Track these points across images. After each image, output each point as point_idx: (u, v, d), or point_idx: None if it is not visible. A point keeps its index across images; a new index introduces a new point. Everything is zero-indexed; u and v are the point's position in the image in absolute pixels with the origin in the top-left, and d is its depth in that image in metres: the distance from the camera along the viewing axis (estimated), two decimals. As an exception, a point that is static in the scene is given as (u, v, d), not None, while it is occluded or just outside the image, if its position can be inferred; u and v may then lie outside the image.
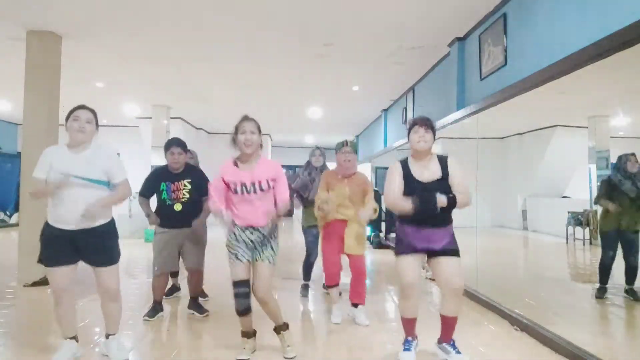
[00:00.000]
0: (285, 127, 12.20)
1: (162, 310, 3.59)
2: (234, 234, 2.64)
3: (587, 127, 7.14)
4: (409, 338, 2.72)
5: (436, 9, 4.30)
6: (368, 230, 8.49)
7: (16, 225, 8.39)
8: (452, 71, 5.19)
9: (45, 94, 4.89)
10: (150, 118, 9.27)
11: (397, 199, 2.57)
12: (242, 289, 2.62)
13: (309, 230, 4.19)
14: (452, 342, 2.68)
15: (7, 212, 11.40)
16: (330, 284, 3.57)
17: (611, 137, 7.15)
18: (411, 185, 2.55)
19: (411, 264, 2.59)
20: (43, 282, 4.67)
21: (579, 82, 3.15)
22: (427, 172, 2.58)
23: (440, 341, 2.73)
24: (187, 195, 3.47)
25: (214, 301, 4.09)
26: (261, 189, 2.61)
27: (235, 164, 2.67)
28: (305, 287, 4.33)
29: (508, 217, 7.51)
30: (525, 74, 3.50)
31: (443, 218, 2.57)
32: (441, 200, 2.46)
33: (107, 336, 2.70)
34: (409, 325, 2.72)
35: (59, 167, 2.41)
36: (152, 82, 7.28)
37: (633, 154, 3.93)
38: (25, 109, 4.87)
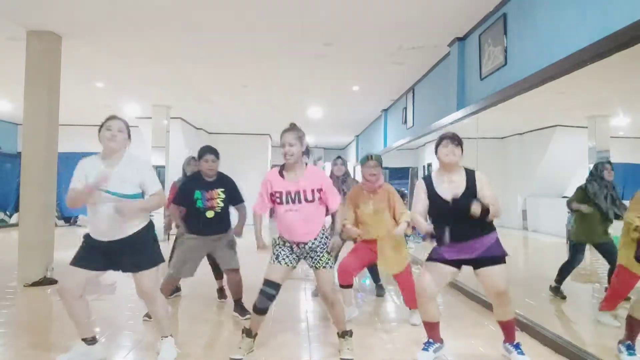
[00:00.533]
0: (285, 127, 12.20)
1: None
2: (282, 238, 2.74)
3: (587, 127, 7.14)
4: (431, 340, 2.76)
5: (436, 9, 4.30)
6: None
7: (16, 225, 8.39)
8: (452, 71, 5.19)
9: (45, 94, 4.89)
10: (150, 118, 9.27)
11: (417, 218, 2.66)
12: (270, 290, 2.67)
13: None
14: (515, 343, 2.69)
15: (7, 212, 11.40)
16: (343, 283, 3.51)
17: (611, 137, 7.14)
18: (437, 203, 2.61)
19: (432, 270, 2.64)
20: (43, 282, 4.67)
21: (579, 82, 3.15)
22: (451, 186, 2.61)
23: (504, 341, 2.78)
24: (222, 205, 3.51)
25: (214, 301, 4.09)
26: (306, 199, 2.65)
27: (281, 174, 2.73)
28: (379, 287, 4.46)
29: (508, 217, 7.51)
30: (525, 74, 3.50)
31: (474, 231, 2.57)
32: (475, 209, 2.45)
33: (162, 337, 2.74)
34: (428, 327, 2.77)
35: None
36: (152, 82, 7.28)
37: (609, 162, 4.00)
38: (25, 109, 4.87)
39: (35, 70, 4.87)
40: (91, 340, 2.63)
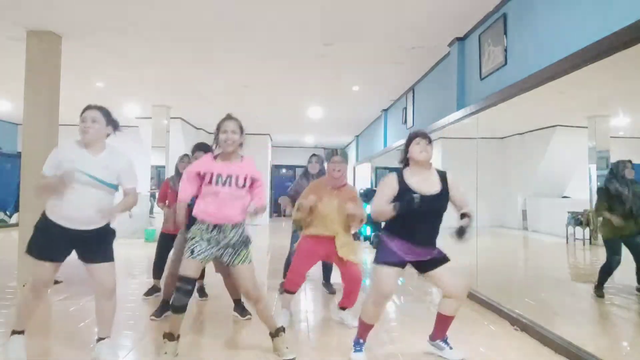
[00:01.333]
0: (285, 127, 12.20)
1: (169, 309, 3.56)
2: (200, 230, 2.61)
3: (587, 127, 7.15)
4: (361, 340, 2.72)
5: (436, 9, 4.30)
6: (369, 230, 8.49)
7: (16, 225, 8.39)
8: (452, 71, 5.19)
9: (45, 94, 4.89)
10: (150, 118, 9.27)
11: (381, 205, 2.54)
12: (186, 286, 2.57)
13: (296, 234, 4.01)
14: (445, 339, 2.76)
15: (7, 212, 11.40)
16: (290, 289, 3.42)
17: (611, 137, 7.15)
18: (407, 197, 2.49)
19: (392, 275, 2.57)
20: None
21: (579, 82, 3.14)
22: (425, 184, 2.56)
23: (433, 338, 2.79)
24: None
25: (213, 301, 4.09)
26: (236, 184, 2.61)
27: (215, 159, 2.70)
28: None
29: (508, 217, 7.51)
30: (525, 74, 3.50)
31: (434, 235, 2.61)
32: (467, 222, 2.49)
33: (98, 340, 2.59)
34: (368, 329, 2.73)
35: (78, 166, 2.38)
36: (152, 82, 7.28)
37: (630, 161, 3.93)
38: (25, 109, 4.87)
39: (35, 70, 4.87)
40: (21, 333, 2.60)
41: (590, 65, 2.69)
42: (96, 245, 2.49)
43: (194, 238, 2.61)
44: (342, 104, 8.87)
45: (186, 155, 4.11)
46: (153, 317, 3.45)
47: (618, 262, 3.82)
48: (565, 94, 3.98)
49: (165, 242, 3.92)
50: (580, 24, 2.97)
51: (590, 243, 7.20)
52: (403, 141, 5.38)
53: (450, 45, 5.21)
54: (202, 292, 4.15)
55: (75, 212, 2.37)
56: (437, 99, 5.99)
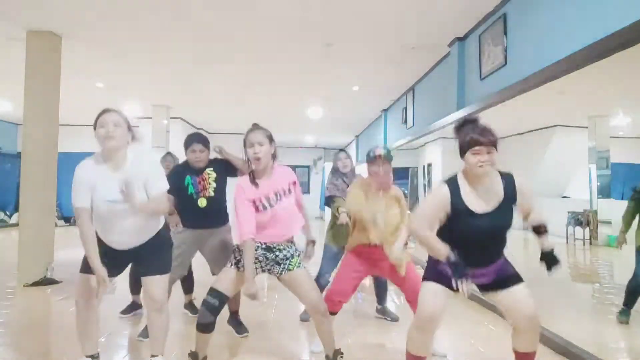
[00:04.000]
0: (285, 127, 12.19)
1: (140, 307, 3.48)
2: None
3: (587, 127, 7.15)
4: None
5: (436, 9, 4.30)
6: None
7: (16, 225, 8.38)
8: (452, 71, 5.19)
9: (45, 94, 4.89)
10: (150, 118, 9.27)
11: (427, 236, 2.01)
12: (214, 301, 2.30)
13: (330, 247, 3.52)
14: None
15: (7, 212, 11.40)
16: (331, 310, 2.73)
17: (611, 137, 7.16)
18: (462, 216, 1.99)
19: (439, 293, 2.08)
20: (43, 282, 4.67)
21: (579, 82, 3.15)
22: (486, 196, 2.01)
23: None
24: (214, 185, 3.06)
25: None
26: (285, 195, 2.41)
27: (252, 181, 2.38)
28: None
29: (508, 217, 7.50)
30: (525, 74, 3.50)
31: (494, 254, 2.10)
32: (549, 242, 2.08)
33: (152, 357, 2.39)
34: None
35: (103, 193, 2.15)
36: (152, 82, 7.28)
37: None
38: (25, 109, 4.87)
39: (35, 70, 4.86)
40: (92, 357, 2.40)
41: (590, 65, 2.69)
42: (149, 256, 2.31)
43: (239, 251, 2.36)
44: (342, 104, 8.87)
45: (169, 153, 3.90)
46: (140, 338, 3.06)
47: None
48: (565, 94, 3.98)
49: None
50: (580, 24, 2.97)
51: (590, 243, 7.21)
52: (403, 141, 5.28)
53: (450, 45, 5.21)
54: (193, 309, 3.65)
55: (117, 237, 2.25)
56: (437, 99, 5.99)
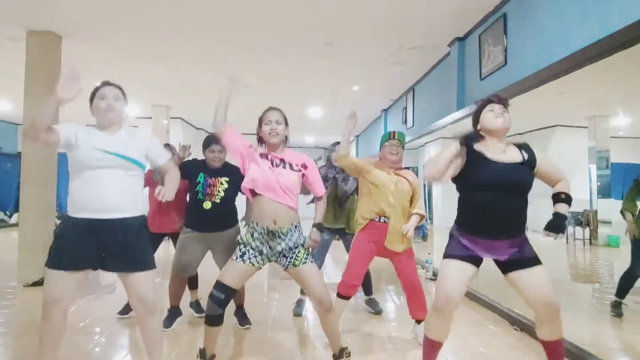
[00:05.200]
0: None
1: (180, 314, 3.35)
2: (253, 232, 2.33)
3: (587, 127, 7.15)
4: None
5: (436, 9, 4.30)
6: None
7: (16, 225, 8.39)
8: (452, 71, 5.19)
9: (45, 94, 4.84)
10: (150, 118, 9.27)
11: (436, 162, 2.02)
12: (220, 295, 2.26)
13: (324, 236, 3.60)
14: None
15: (7, 212, 11.40)
16: (344, 294, 2.96)
17: (611, 137, 7.16)
18: (485, 166, 2.00)
19: (458, 270, 2.03)
20: (43, 282, 4.66)
21: (579, 82, 3.15)
22: (502, 152, 2.05)
23: None
24: (222, 195, 3.09)
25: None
26: (292, 168, 2.37)
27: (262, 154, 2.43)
28: (300, 303, 3.73)
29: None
30: (525, 74, 3.50)
31: (513, 223, 2.05)
32: (564, 209, 2.07)
33: None
34: (432, 349, 2.14)
35: (93, 143, 2.02)
36: (152, 82, 7.28)
37: None
38: (25, 109, 4.87)
39: (35, 70, 4.87)
40: None
41: (590, 65, 2.69)
42: (127, 246, 2.03)
43: (244, 241, 2.35)
44: (342, 104, 8.86)
45: (167, 145, 3.83)
46: (163, 329, 3.17)
47: None
48: (565, 94, 3.98)
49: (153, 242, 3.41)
50: (580, 24, 2.97)
51: (590, 243, 7.20)
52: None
53: (450, 45, 5.21)
54: (199, 308, 3.61)
55: (101, 198, 1.98)
56: (437, 99, 5.99)
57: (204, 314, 3.55)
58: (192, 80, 7.14)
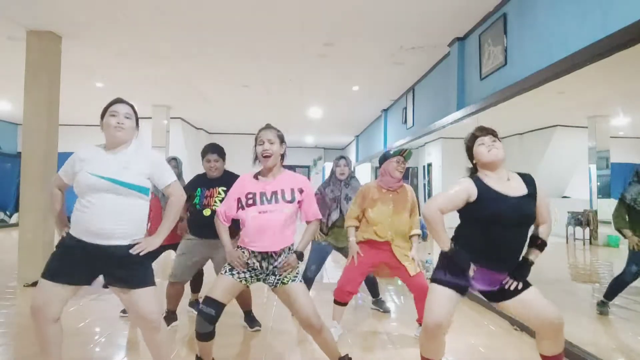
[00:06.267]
0: (285, 127, 12.16)
1: (176, 319, 3.36)
2: (244, 251, 2.27)
3: (587, 127, 7.15)
4: None
5: (436, 9, 4.30)
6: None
7: (16, 225, 8.39)
8: (452, 71, 5.19)
9: (45, 94, 4.89)
10: (150, 118, 9.28)
11: (437, 218, 2.00)
12: (209, 310, 2.18)
13: (317, 242, 3.68)
14: None
15: (7, 212, 11.40)
16: (340, 300, 3.07)
17: (611, 137, 7.16)
18: (494, 200, 1.99)
19: (446, 298, 2.03)
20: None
21: (579, 82, 3.15)
22: (508, 186, 2.04)
23: None
24: (218, 204, 3.08)
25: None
26: (284, 199, 2.26)
27: (256, 177, 2.38)
28: None
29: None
30: (525, 74, 3.50)
31: (515, 255, 2.05)
32: (535, 256, 2.06)
33: None
34: None
35: (91, 168, 2.00)
36: (152, 82, 7.28)
37: None
38: (25, 109, 4.87)
39: (35, 70, 4.86)
40: None
41: (590, 65, 2.69)
42: (128, 265, 2.02)
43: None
44: (342, 104, 8.87)
45: (173, 158, 3.89)
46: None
47: (635, 276, 3.46)
48: (565, 94, 3.98)
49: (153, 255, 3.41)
50: (580, 24, 2.97)
51: (590, 243, 7.20)
52: (403, 141, 5.31)
53: (450, 45, 5.21)
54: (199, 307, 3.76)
55: (95, 224, 1.96)
56: (437, 99, 5.99)
57: None
58: (192, 80, 7.14)
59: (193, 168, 6.39)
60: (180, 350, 2.86)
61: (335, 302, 3.10)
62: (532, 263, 2.05)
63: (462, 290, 2.03)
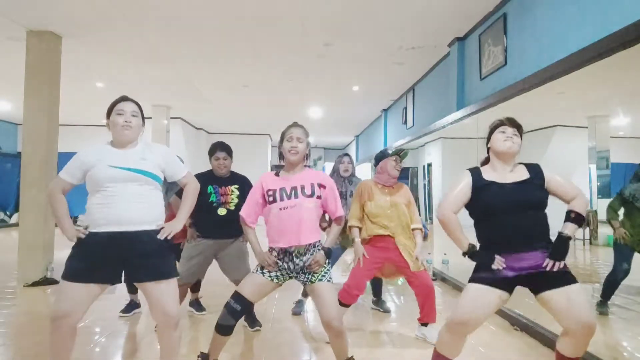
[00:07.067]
0: (285, 127, 12.23)
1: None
2: (273, 250, 2.28)
3: (587, 127, 7.15)
4: None
5: (436, 9, 4.30)
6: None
7: (16, 225, 8.39)
8: (452, 71, 5.19)
9: (45, 94, 4.89)
10: (150, 118, 9.28)
11: (451, 219, 2.03)
12: (235, 306, 2.22)
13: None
14: None
15: (7, 212, 11.40)
16: (345, 302, 3.05)
17: (611, 137, 7.15)
18: (491, 190, 2.01)
19: (476, 296, 1.97)
20: (43, 282, 4.67)
21: (579, 82, 3.14)
22: (509, 173, 2.07)
23: None
24: (236, 201, 3.13)
25: (211, 309, 4.09)
26: (304, 193, 2.25)
27: (277, 174, 2.37)
28: (300, 304, 3.80)
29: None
30: (525, 74, 3.50)
31: (532, 234, 1.99)
32: (570, 230, 1.98)
33: None
34: None
35: (109, 161, 2.01)
36: (152, 82, 7.28)
37: None
38: (25, 109, 4.87)
39: (35, 70, 4.87)
40: None
41: (590, 65, 2.69)
42: (150, 253, 2.01)
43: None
44: (342, 104, 8.87)
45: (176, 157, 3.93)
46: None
47: (626, 273, 3.43)
48: (565, 94, 3.97)
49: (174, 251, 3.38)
50: (580, 24, 2.97)
51: (590, 243, 7.20)
52: (403, 141, 5.30)
53: (450, 45, 5.21)
54: (199, 307, 3.70)
55: (123, 211, 1.97)
56: (437, 99, 5.99)
57: (204, 312, 3.61)
58: (192, 81, 7.14)
59: (193, 168, 6.39)
60: (180, 350, 2.86)
61: (340, 303, 3.02)
62: (568, 237, 1.96)
63: (499, 283, 1.94)
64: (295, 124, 2.40)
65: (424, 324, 3.12)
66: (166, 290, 2.01)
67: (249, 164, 12.41)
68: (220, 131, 12.83)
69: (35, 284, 4.62)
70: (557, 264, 1.92)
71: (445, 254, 5.43)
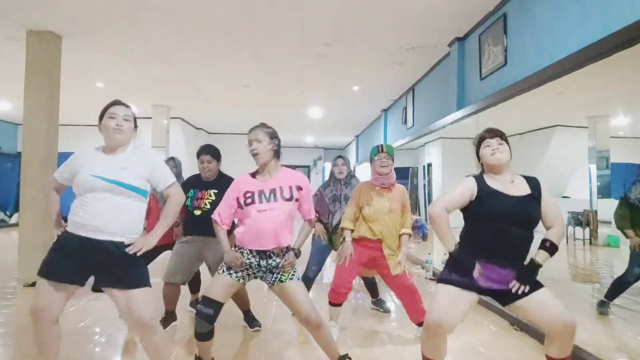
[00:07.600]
0: (285, 127, 12.20)
1: (175, 319, 3.36)
2: (242, 251, 2.30)
3: (587, 127, 7.15)
4: None
5: (436, 9, 4.30)
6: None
7: (16, 225, 8.40)
8: (452, 71, 5.19)
9: (45, 94, 4.89)
10: (150, 118, 9.28)
11: (442, 217, 2.04)
12: (207, 310, 2.22)
13: (318, 242, 3.69)
14: None
15: (7, 212, 11.40)
16: (334, 301, 3.10)
17: (611, 137, 7.16)
18: (493, 198, 2.03)
19: (450, 297, 2.00)
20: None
21: (579, 82, 3.15)
22: (511, 186, 2.07)
23: None
24: (208, 207, 3.13)
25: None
26: (283, 197, 2.28)
27: (253, 176, 2.39)
28: None
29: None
30: (525, 74, 3.50)
31: (518, 251, 2.04)
32: (542, 258, 2.03)
33: None
34: None
35: (91, 169, 2.02)
36: (152, 82, 7.28)
37: None
38: (25, 109, 4.87)
39: (35, 70, 4.86)
40: None
41: (590, 65, 2.69)
42: (122, 263, 2.02)
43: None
44: (342, 104, 8.87)
45: (171, 158, 3.90)
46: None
47: (638, 277, 3.43)
48: (565, 94, 3.98)
49: (151, 255, 3.17)
50: (580, 24, 2.97)
51: (590, 243, 7.20)
52: (403, 141, 5.31)
53: (450, 45, 5.21)
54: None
55: (92, 219, 1.99)
56: (437, 99, 5.99)
57: None
58: (192, 81, 7.14)
59: (193, 168, 6.38)
60: (180, 350, 2.86)
61: (331, 303, 3.12)
62: (539, 265, 2.02)
63: (469, 288, 2.00)
64: (253, 127, 2.39)
65: (420, 324, 3.08)
66: (137, 298, 2.00)
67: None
68: (220, 131, 12.83)
69: (35, 284, 4.60)
70: (522, 287, 1.97)
71: (445, 254, 5.44)
